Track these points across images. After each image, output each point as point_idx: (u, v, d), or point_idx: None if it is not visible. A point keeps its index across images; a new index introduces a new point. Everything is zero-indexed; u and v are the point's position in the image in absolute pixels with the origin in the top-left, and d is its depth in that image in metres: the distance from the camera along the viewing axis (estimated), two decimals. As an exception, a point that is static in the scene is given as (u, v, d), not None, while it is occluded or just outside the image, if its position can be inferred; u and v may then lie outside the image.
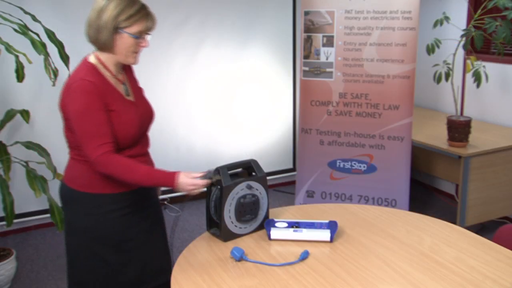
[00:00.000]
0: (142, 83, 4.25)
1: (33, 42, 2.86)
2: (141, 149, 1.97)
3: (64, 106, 1.83)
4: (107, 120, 1.79)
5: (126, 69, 1.99)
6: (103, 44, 1.81)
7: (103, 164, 1.76)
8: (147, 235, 2.00)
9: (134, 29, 1.80)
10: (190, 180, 1.81)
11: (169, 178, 1.80)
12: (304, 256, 1.81)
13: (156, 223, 2.07)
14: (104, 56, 1.86)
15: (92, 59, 1.87)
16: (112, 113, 1.82)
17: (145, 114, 1.98)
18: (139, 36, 1.83)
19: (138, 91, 2.02)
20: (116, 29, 1.79)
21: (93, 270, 1.94)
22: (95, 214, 1.89)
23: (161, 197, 2.25)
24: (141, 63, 4.38)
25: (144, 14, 1.81)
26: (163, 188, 2.12)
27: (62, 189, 1.98)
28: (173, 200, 4.26)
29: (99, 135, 1.76)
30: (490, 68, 3.75)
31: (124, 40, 1.81)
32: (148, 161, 2.02)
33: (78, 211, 1.92)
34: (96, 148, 1.75)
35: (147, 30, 1.84)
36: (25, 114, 3.29)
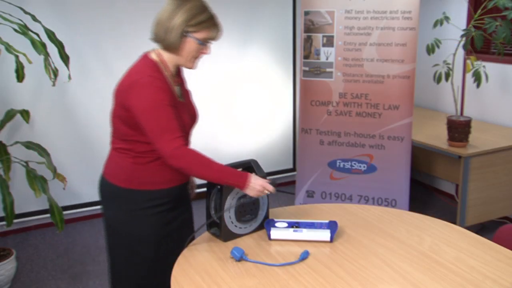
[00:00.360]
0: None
1: (33, 42, 2.86)
2: None
3: (127, 101, 1.83)
4: (175, 116, 1.82)
5: (179, 72, 2.02)
6: (169, 44, 1.84)
7: (179, 157, 1.78)
8: (178, 232, 2.02)
9: (201, 35, 1.85)
10: (261, 182, 1.86)
11: (242, 177, 1.84)
12: (304, 256, 1.81)
13: (186, 222, 2.09)
14: (167, 56, 1.89)
15: (154, 57, 1.90)
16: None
17: (193, 117, 2.03)
18: (204, 43, 1.87)
19: (187, 93, 2.06)
20: (184, 33, 1.82)
21: (132, 266, 1.96)
22: (134, 210, 1.92)
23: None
24: (141, 63, 4.34)
25: (212, 23, 1.86)
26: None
27: (102, 183, 1.99)
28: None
29: (171, 129, 1.79)
30: (490, 68, 3.75)
31: (190, 44, 1.85)
32: None
33: (117, 206, 1.94)
34: (171, 141, 1.77)
35: (212, 38, 1.89)
36: (25, 114, 3.29)
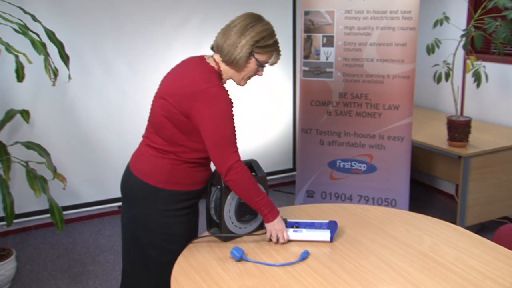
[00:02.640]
0: (142, 84, 4.25)
1: (33, 42, 2.86)
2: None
3: (190, 109, 1.80)
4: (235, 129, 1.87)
5: None
6: (234, 60, 1.87)
7: (238, 171, 1.82)
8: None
9: (263, 58, 1.90)
10: (282, 226, 1.91)
11: (274, 211, 1.90)
12: (304, 256, 1.82)
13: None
14: (224, 67, 1.93)
15: (213, 65, 1.92)
16: None
17: None
18: (262, 65, 1.91)
19: None
20: (251, 52, 1.87)
21: (159, 266, 1.97)
22: (172, 210, 1.92)
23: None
24: (141, 64, 4.38)
25: (276, 48, 1.92)
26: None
27: (132, 182, 1.96)
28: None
29: (234, 142, 1.84)
30: (490, 68, 3.75)
31: (251, 64, 1.90)
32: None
33: (152, 206, 1.92)
34: (233, 154, 1.83)
35: (271, 63, 1.94)
36: (25, 114, 3.29)
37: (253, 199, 1.87)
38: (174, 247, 1.94)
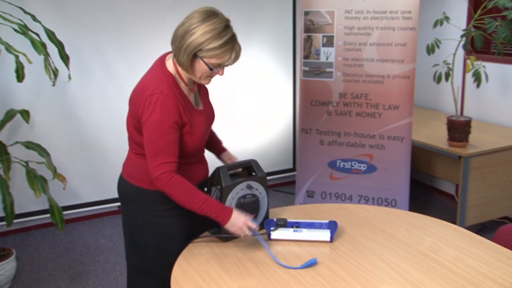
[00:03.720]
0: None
1: (33, 42, 2.86)
2: (201, 155, 2.01)
3: (137, 112, 1.80)
4: (177, 139, 1.79)
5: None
6: (179, 63, 1.79)
7: (164, 183, 1.76)
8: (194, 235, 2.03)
9: (213, 61, 1.77)
10: (243, 219, 1.82)
11: (224, 212, 1.81)
12: (313, 263, 1.79)
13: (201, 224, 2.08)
14: (181, 69, 1.84)
15: (170, 68, 1.84)
16: (184, 125, 1.83)
17: (210, 120, 2.03)
18: (215, 68, 1.80)
19: (205, 96, 2.03)
20: (195, 55, 1.75)
21: (158, 265, 1.96)
22: (164, 210, 1.91)
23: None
24: (141, 64, 4.37)
25: (228, 49, 1.76)
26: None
27: (122, 185, 1.98)
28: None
29: (166, 152, 1.76)
30: (490, 68, 3.75)
31: (200, 66, 1.78)
32: (204, 161, 2.07)
33: (140, 207, 1.94)
34: (160, 166, 1.76)
35: (225, 64, 1.81)
36: (25, 114, 3.29)
37: (194, 207, 1.79)
38: (170, 247, 1.93)
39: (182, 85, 1.86)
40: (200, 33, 1.71)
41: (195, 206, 1.78)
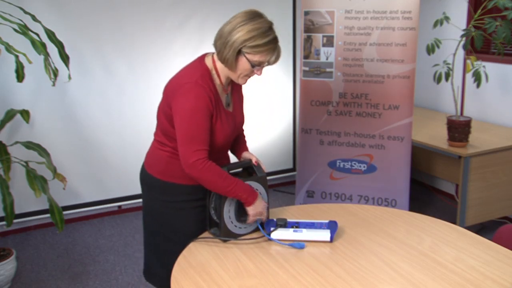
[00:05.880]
0: (142, 84, 4.25)
1: (33, 42, 2.86)
2: (218, 156, 2.04)
3: (171, 99, 1.88)
4: (209, 128, 1.87)
5: (231, 80, 2.02)
6: (223, 59, 1.86)
7: (199, 169, 1.83)
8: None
9: (256, 58, 1.84)
10: (264, 205, 1.94)
11: (252, 194, 1.91)
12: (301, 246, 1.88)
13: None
14: (220, 65, 1.92)
15: (208, 63, 1.93)
16: (211, 117, 1.90)
17: (238, 125, 2.07)
18: (257, 66, 1.86)
19: (238, 101, 2.07)
20: (239, 51, 1.83)
21: (165, 253, 2.04)
22: (170, 201, 2.00)
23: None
24: (141, 64, 4.37)
25: (271, 48, 1.84)
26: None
27: (142, 172, 2.10)
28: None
29: (200, 140, 1.84)
30: (490, 68, 3.75)
31: (243, 63, 1.86)
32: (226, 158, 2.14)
33: (155, 196, 2.04)
34: (195, 153, 1.82)
35: (267, 63, 1.88)
36: (25, 114, 3.29)
37: (223, 190, 1.87)
38: (176, 237, 2.01)
39: (217, 82, 1.93)
40: (246, 30, 1.81)
41: (228, 188, 1.86)
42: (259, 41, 1.81)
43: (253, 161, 2.07)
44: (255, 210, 1.92)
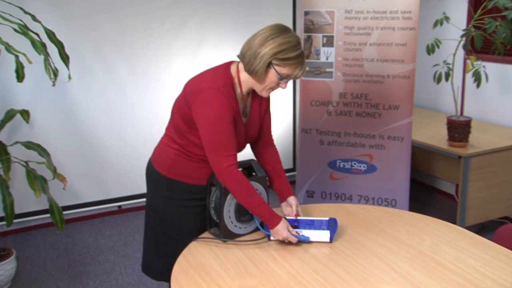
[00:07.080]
0: (142, 84, 4.24)
1: (33, 42, 2.86)
2: None
3: (191, 101, 1.89)
4: (234, 133, 1.88)
5: (252, 92, 2.03)
6: (253, 70, 1.87)
7: (231, 176, 1.86)
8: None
9: (284, 71, 1.86)
10: (286, 233, 1.89)
11: (273, 220, 1.89)
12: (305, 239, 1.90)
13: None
14: (244, 76, 1.93)
15: (233, 71, 1.95)
16: None
17: (247, 137, 2.07)
18: (284, 78, 1.88)
19: (258, 114, 2.07)
20: (269, 64, 1.85)
21: (163, 248, 2.07)
22: (174, 199, 2.03)
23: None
24: (141, 64, 4.37)
25: (299, 62, 1.87)
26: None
27: (148, 167, 2.13)
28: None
29: (228, 146, 1.86)
30: (490, 68, 3.75)
31: (270, 75, 1.87)
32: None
33: (158, 192, 2.07)
34: (225, 158, 1.85)
35: (293, 76, 1.90)
36: (25, 114, 3.29)
37: (248, 206, 1.89)
38: (177, 235, 2.03)
39: (238, 91, 1.95)
40: (278, 43, 1.83)
41: (251, 205, 1.89)
42: (290, 54, 1.83)
43: (293, 213, 2.06)
44: (275, 235, 1.91)
